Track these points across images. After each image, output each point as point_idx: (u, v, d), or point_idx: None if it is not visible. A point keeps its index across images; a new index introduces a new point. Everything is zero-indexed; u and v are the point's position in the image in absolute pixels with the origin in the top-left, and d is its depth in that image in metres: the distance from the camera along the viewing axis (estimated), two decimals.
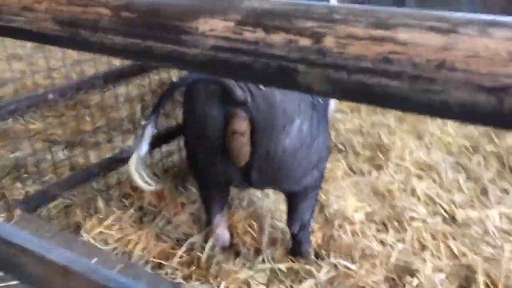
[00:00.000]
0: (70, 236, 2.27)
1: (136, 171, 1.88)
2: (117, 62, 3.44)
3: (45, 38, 0.67)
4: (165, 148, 3.09)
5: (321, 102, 2.01)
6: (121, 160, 2.73)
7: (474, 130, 3.59)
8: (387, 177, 3.03)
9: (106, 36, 0.59)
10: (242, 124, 1.80)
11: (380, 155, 3.27)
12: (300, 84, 0.51)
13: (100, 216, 2.61)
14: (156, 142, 2.90)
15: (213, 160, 2.02)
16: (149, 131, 1.85)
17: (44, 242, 1.10)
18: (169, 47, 0.55)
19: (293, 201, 2.26)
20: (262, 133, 1.84)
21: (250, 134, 1.84)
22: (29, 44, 4.49)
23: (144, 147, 1.85)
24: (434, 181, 3.02)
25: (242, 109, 1.81)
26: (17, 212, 2.06)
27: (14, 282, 1.75)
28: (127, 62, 2.77)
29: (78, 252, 1.01)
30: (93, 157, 2.96)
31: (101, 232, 2.51)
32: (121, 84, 3.68)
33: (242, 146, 1.85)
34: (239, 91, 1.78)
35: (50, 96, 2.32)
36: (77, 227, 2.56)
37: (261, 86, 1.79)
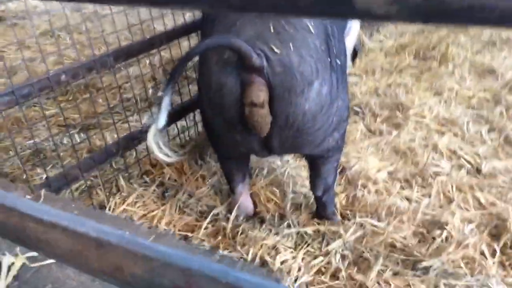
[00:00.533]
0: (98, 212, 2.27)
1: (155, 143, 1.84)
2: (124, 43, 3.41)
3: None
4: (180, 123, 3.07)
5: (339, 62, 1.95)
6: (137, 138, 2.72)
7: (494, 82, 3.51)
8: (407, 136, 2.98)
9: None
10: (260, 92, 1.74)
11: (399, 114, 3.22)
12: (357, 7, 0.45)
13: (123, 194, 2.61)
14: (171, 118, 2.89)
15: (231, 131, 1.97)
16: (166, 102, 1.79)
17: (75, 216, 1.08)
18: None
19: (315, 164, 2.22)
20: (281, 98, 1.78)
21: (268, 101, 1.78)
22: (36, 32, 4.46)
23: (162, 118, 1.79)
24: (456, 135, 2.96)
25: (258, 74, 1.74)
26: (43, 192, 2.06)
27: (48, 261, 1.75)
28: (136, 38, 2.73)
29: (109, 225, 1.00)
30: (110, 138, 2.95)
31: (125, 210, 2.51)
32: (131, 64, 3.67)
33: (263, 117, 1.79)
34: (255, 55, 1.71)
35: (63, 77, 2.30)
36: (101, 208, 2.56)
37: (276, 49, 1.74)
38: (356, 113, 3.33)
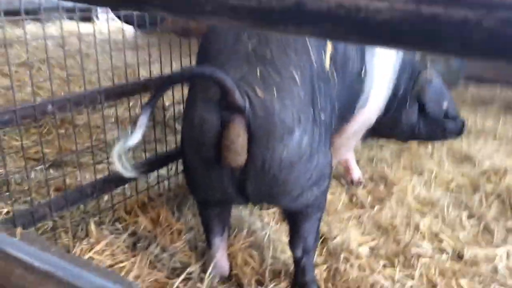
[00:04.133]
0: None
1: (118, 155, 1.70)
2: (105, 83, 3.31)
3: None
4: (162, 171, 2.95)
5: (323, 118, 1.94)
6: (114, 181, 2.57)
7: (471, 169, 3.58)
8: (389, 211, 2.95)
9: None
10: (238, 131, 1.73)
11: (382, 189, 3.20)
12: None
13: (91, 240, 2.42)
14: (152, 166, 2.78)
15: (208, 171, 1.92)
16: (143, 121, 1.71)
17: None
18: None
19: (295, 221, 2.15)
20: (259, 142, 1.76)
21: (246, 142, 1.76)
22: (16, 60, 4.32)
23: (135, 136, 1.69)
24: (437, 217, 2.95)
25: (239, 114, 1.73)
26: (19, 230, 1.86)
27: None
28: (119, 81, 2.64)
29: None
30: (81, 178, 2.79)
31: (91, 258, 2.32)
32: (111, 104, 3.55)
33: (237, 152, 1.75)
34: (238, 93, 1.70)
35: (49, 108, 2.17)
36: (66, 252, 2.35)
37: (260, 93, 1.74)
38: (339, 182, 3.30)
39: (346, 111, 2.45)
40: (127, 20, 5.50)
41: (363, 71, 2.49)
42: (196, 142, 1.88)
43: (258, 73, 1.76)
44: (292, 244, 2.19)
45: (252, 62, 1.78)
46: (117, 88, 2.49)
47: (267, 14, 0.50)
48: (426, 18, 0.42)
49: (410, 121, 3.07)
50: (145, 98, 2.90)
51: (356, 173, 3.34)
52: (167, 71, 2.96)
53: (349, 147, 3.12)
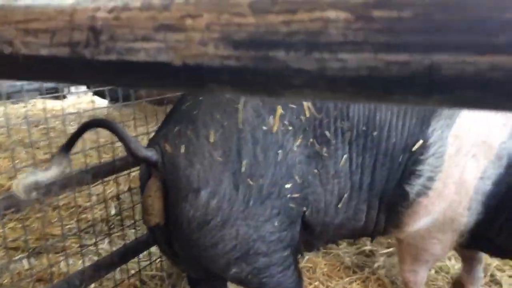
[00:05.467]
0: None
1: (23, 179, 1.64)
2: (93, 160, 3.16)
3: (209, 73, 0.46)
4: (154, 249, 2.77)
5: (251, 183, 1.74)
6: (105, 268, 2.38)
7: None
8: None
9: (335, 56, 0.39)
10: (151, 189, 1.74)
11: None
12: None
13: None
14: (140, 247, 2.59)
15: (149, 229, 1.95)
16: (57, 161, 1.70)
17: None
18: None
19: None
20: (170, 198, 1.75)
21: (158, 202, 1.75)
22: None
23: (49, 173, 1.67)
24: None
25: (155, 170, 1.75)
26: None
27: None
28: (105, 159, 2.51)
29: None
30: (63, 265, 2.58)
31: None
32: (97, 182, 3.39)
33: (147, 211, 1.75)
34: (143, 151, 1.72)
35: (33, 194, 2.01)
36: None
37: (170, 149, 1.73)
38: None
39: (388, 195, 1.95)
40: (99, 93, 5.45)
41: (417, 145, 1.89)
42: None
43: (175, 130, 1.77)
44: None
45: (179, 120, 1.80)
46: (104, 166, 2.35)
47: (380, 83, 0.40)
48: None
49: None
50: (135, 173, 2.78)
51: None
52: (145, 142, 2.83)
53: (423, 257, 2.13)
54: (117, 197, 3.24)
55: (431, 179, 1.87)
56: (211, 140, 1.73)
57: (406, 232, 2.02)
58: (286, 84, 0.44)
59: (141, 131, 2.86)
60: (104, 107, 3.17)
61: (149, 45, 0.49)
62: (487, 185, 1.85)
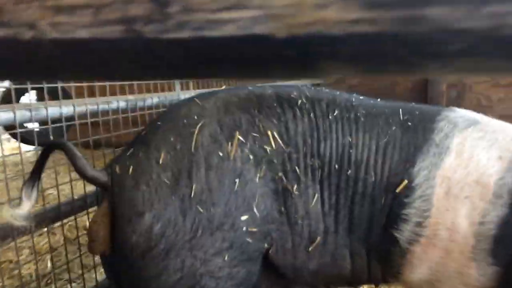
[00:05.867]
0: None
1: (11, 209, 1.60)
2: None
3: (327, 46, 0.36)
4: None
5: (202, 210, 1.61)
6: None
7: None
8: None
9: None
10: (101, 210, 1.66)
11: None
12: None
13: None
14: None
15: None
16: (28, 192, 1.64)
17: None
18: None
19: None
20: (115, 222, 1.64)
21: (103, 228, 1.65)
22: None
23: (26, 204, 1.62)
24: None
25: (105, 192, 1.67)
26: None
27: None
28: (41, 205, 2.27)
29: None
30: None
31: None
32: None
33: (91, 237, 1.65)
34: (90, 170, 1.64)
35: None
36: None
37: (119, 170, 1.65)
38: None
39: (375, 240, 1.74)
40: (25, 139, 5.07)
41: (402, 185, 1.69)
42: None
43: (128, 153, 1.69)
44: None
45: (134, 143, 1.73)
46: (50, 211, 2.11)
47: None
48: None
49: None
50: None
51: None
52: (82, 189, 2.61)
53: None
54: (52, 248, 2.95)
55: (420, 224, 1.66)
56: (161, 161, 1.63)
57: (407, 283, 1.80)
58: (437, 53, 0.35)
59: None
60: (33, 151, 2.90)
61: (240, 14, 0.38)
62: (491, 230, 1.59)
